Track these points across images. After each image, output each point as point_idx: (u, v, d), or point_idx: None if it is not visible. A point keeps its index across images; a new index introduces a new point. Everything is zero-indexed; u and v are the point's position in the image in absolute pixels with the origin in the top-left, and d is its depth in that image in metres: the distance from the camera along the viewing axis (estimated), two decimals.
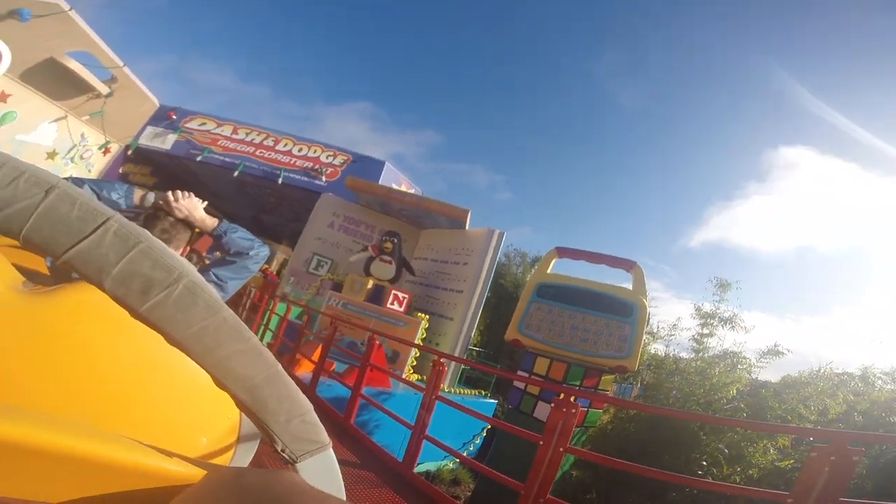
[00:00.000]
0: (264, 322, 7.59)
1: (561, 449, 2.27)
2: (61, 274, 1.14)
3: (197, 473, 0.49)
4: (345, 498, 0.53)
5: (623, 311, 5.39)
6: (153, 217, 1.36)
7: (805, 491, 1.83)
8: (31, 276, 0.73)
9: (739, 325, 8.55)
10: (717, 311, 8.75)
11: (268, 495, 0.35)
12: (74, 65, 7.85)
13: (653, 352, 10.13)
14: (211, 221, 1.42)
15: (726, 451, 5.53)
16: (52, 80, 7.94)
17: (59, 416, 0.51)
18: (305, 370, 5.18)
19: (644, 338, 5.63)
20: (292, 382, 0.50)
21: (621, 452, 5.14)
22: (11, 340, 0.62)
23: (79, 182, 1.40)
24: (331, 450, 0.52)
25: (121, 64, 8.38)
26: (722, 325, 8.65)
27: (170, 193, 1.37)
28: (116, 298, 0.42)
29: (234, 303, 8.42)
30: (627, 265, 5.83)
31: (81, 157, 9.39)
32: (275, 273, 12.10)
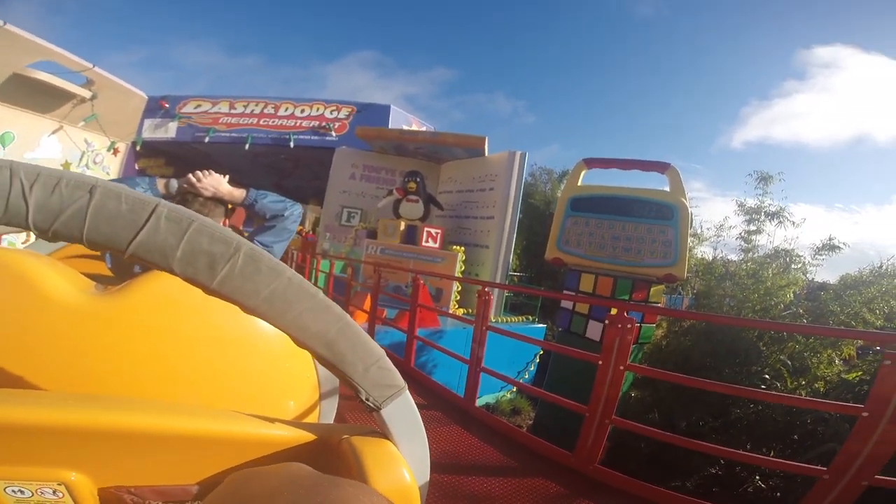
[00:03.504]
0: (312, 281, 7.82)
1: (621, 367, 2.21)
2: (124, 272, 1.20)
3: (298, 435, 0.53)
4: (425, 436, 0.56)
5: (663, 214, 5.18)
6: (183, 201, 1.38)
7: (881, 404, 1.68)
8: (98, 280, 0.77)
9: (787, 218, 8.08)
10: (763, 206, 8.23)
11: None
12: (42, 75, 7.77)
13: (700, 256, 9.79)
14: (239, 192, 1.44)
15: (789, 362, 5.23)
16: (29, 94, 7.91)
17: (168, 402, 0.55)
18: (360, 321, 5.29)
19: (689, 241, 5.35)
20: (362, 331, 0.51)
21: (680, 368, 4.98)
22: (101, 339, 0.67)
23: None
24: (408, 392, 0.54)
25: (89, 65, 8.23)
26: (769, 220, 8.18)
27: (191, 175, 1.40)
28: (187, 279, 0.44)
29: None
30: (661, 167, 5.52)
31: (95, 162, 9.47)
32: (310, 232, 12.36)
